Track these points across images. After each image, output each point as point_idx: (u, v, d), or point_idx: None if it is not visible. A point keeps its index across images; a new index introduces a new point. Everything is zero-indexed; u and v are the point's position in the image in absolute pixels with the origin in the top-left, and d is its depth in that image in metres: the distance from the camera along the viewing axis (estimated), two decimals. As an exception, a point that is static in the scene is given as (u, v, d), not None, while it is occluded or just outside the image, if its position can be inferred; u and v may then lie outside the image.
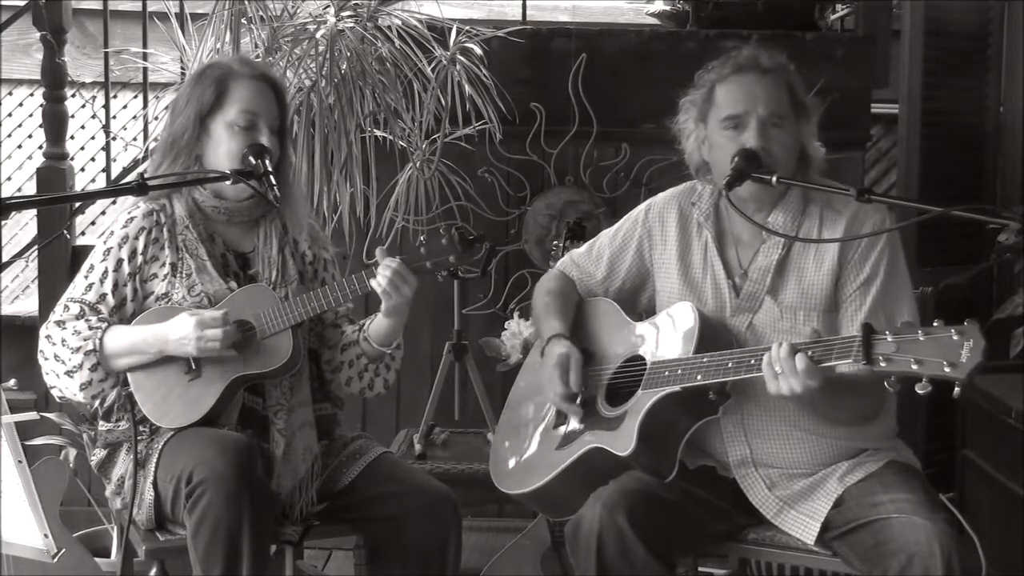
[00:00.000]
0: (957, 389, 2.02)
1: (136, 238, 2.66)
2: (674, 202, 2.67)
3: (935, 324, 2.05)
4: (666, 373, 2.41)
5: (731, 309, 2.53)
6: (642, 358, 2.51)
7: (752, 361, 2.31)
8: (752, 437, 2.50)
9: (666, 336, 2.50)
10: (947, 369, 2.01)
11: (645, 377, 2.45)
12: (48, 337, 2.62)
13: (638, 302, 2.72)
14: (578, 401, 2.53)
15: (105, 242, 2.67)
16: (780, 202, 2.52)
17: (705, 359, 2.37)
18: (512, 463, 2.68)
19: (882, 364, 2.09)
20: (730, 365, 2.34)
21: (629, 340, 2.58)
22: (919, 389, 2.06)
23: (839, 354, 2.18)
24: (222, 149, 2.64)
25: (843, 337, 2.22)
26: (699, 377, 2.36)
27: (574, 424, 2.55)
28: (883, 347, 2.10)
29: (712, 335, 2.44)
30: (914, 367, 2.04)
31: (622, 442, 2.40)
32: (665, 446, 2.42)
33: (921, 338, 2.05)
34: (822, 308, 2.47)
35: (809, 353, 2.20)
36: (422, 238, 2.64)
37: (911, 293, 2.47)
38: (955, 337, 2.02)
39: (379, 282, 2.58)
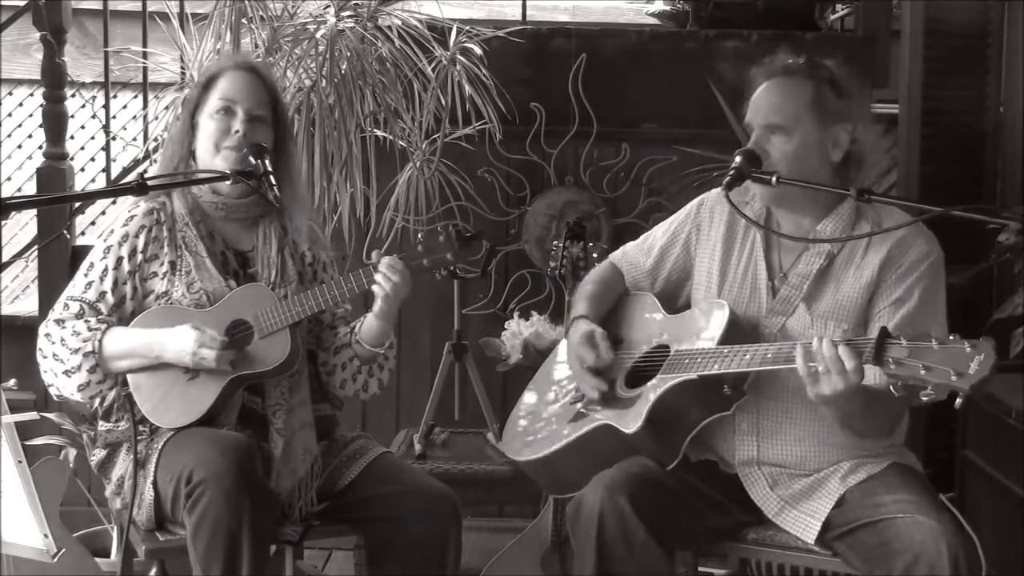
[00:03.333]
0: (959, 400, 2.03)
1: (136, 236, 2.66)
2: (726, 199, 2.66)
3: (952, 337, 2.06)
4: (686, 361, 2.43)
5: (766, 310, 2.54)
6: (667, 347, 2.54)
7: (769, 354, 2.31)
8: (763, 437, 2.51)
9: (695, 330, 2.52)
10: (953, 378, 2.02)
11: (665, 363, 2.47)
12: (47, 335, 2.62)
13: (681, 295, 2.74)
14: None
15: (105, 240, 2.67)
16: (832, 212, 2.52)
17: (725, 350, 2.38)
18: (524, 431, 2.70)
19: (892, 367, 2.10)
20: (747, 357, 2.34)
21: (659, 330, 2.60)
22: (923, 396, 2.07)
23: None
24: (204, 136, 2.68)
25: (860, 338, 2.22)
26: (716, 367, 2.37)
27: (590, 400, 2.56)
28: (895, 351, 2.10)
29: (739, 335, 2.45)
30: (922, 372, 2.05)
31: (630, 421, 2.42)
32: (672, 434, 2.43)
33: (935, 347, 2.06)
34: (853, 322, 2.47)
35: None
36: (420, 236, 2.65)
37: (944, 324, 2.44)
38: (968, 350, 2.03)
39: (379, 281, 2.58)
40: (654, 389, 2.43)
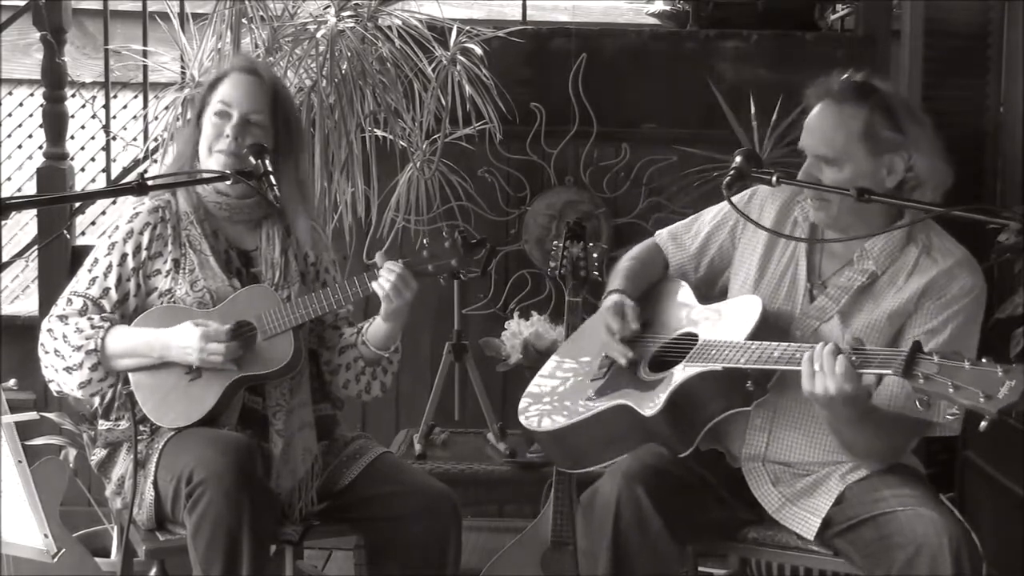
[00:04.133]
0: (984, 423, 1.99)
1: (141, 233, 2.66)
2: (780, 194, 2.64)
3: (984, 360, 2.03)
4: (713, 352, 2.41)
5: (800, 312, 2.53)
6: (695, 335, 2.53)
7: (798, 355, 2.29)
8: (774, 435, 2.51)
9: (725, 322, 2.51)
10: (981, 400, 1.99)
11: (692, 351, 2.46)
12: (50, 331, 2.62)
13: (719, 282, 2.74)
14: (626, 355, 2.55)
15: (110, 236, 2.68)
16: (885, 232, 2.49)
17: (753, 345, 2.37)
18: (542, 402, 2.69)
19: (920, 381, 2.07)
20: (776, 355, 2.32)
21: (689, 318, 2.61)
22: (948, 415, 2.08)
23: (880, 364, 2.16)
24: (203, 138, 2.69)
25: (890, 349, 2.21)
26: (742, 360, 2.35)
27: (616, 371, 2.57)
28: (926, 366, 2.07)
29: (770, 331, 2.44)
30: (950, 391, 2.02)
31: (649, 404, 2.41)
32: (689, 423, 2.42)
33: (966, 367, 2.03)
34: (883, 343, 2.44)
35: (852, 358, 2.19)
36: (424, 241, 2.65)
37: (973, 354, 2.40)
38: (999, 374, 2.00)
39: (381, 285, 2.58)
40: (677, 376, 2.42)
